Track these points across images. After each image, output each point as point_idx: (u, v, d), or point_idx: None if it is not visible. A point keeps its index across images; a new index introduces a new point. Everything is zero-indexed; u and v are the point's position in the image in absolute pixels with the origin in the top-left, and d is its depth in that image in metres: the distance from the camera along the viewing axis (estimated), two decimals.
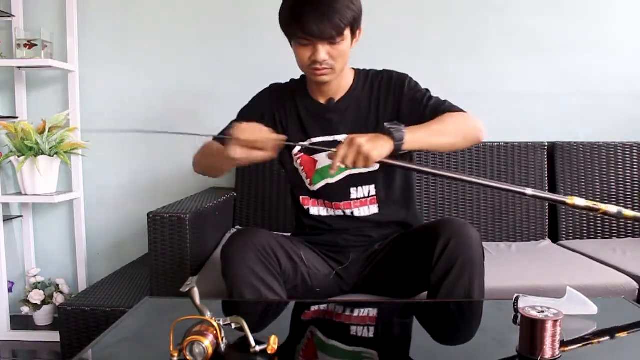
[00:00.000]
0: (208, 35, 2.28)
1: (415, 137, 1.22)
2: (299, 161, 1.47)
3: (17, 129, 2.00)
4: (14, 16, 2.20)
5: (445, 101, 1.40)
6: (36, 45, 2.07)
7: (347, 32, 1.30)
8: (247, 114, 1.49)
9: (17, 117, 2.21)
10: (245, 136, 1.20)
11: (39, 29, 2.08)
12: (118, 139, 2.32)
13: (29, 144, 1.99)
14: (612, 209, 1.31)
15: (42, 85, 2.30)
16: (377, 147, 1.16)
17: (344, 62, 1.37)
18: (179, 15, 2.28)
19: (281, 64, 2.17)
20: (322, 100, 1.46)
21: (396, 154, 1.19)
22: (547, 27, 2.25)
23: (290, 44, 1.37)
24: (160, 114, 2.31)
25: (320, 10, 1.26)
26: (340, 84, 1.43)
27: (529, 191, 1.25)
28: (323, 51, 1.30)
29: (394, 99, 1.42)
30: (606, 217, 1.35)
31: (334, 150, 1.19)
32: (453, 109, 1.36)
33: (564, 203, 1.27)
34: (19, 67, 2.20)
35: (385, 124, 1.23)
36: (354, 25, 1.31)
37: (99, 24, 2.27)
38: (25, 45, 2.07)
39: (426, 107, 1.38)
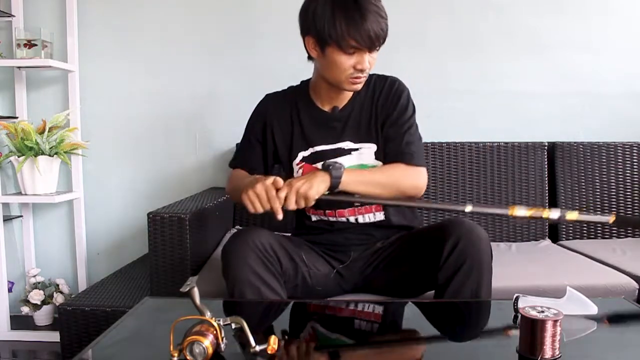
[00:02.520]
0: (208, 36, 2.28)
1: (353, 179, 1.29)
2: (300, 171, 1.46)
3: (17, 129, 2.00)
4: (14, 16, 2.20)
5: (413, 145, 1.40)
6: (36, 45, 2.07)
7: None
8: (252, 130, 1.50)
9: (17, 117, 2.21)
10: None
11: (39, 29, 2.08)
12: (118, 139, 2.32)
13: (29, 144, 1.99)
14: (554, 214, 1.29)
15: (42, 85, 2.30)
16: (314, 186, 1.23)
17: None
18: (179, 15, 2.28)
19: (281, 65, 2.20)
20: (326, 108, 1.45)
21: (332, 190, 1.27)
22: (547, 27, 2.26)
23: (322, 51, 1.32)
24: (160, 114, 2.31)
25: (375, 17, 1.26)
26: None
27: (469, 208, 1.29)
28: (367, 59, 1.31)
29: (387, 108, 1.44)
30: (549, 221, 1.40)
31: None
32: (412, 160, 1.38)
33: (504, 215, 1.30)
34: (19, 67, 2.20)
35: (326, 161, 1.33)
36: None
37: (99, 24, 2.27)
38: (25, 45, 2.07)
39: (395, 140, 1.40)
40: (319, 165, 1.43)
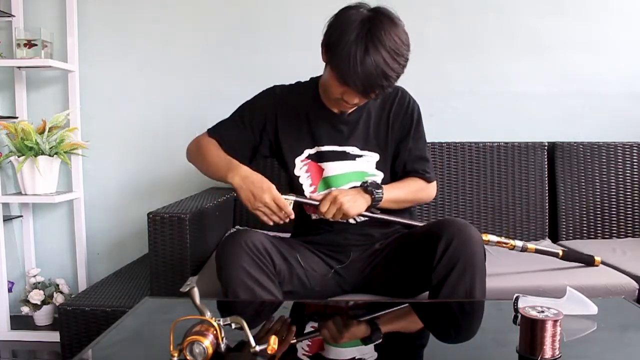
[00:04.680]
0: (208, 36, 2.28)
1: (389, 198, 1.40)
2: (305, 167, 1.46)
3: (17, 129, 2.00)
4: (14, 16, 2.20)
5: (428, 162, 1.51)
6: (36, 45, 2.07)
7: None
8: (252, 118, 1.48)
9: (17, 117, 2.21)
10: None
11: (39, 29, 2.08)
12: (118, 139, 2.32)
13: (29, 144, 1.99)
14: (518, 243, 1.55)
15: (42, 85, 2.30)
16: (356, 206, 1.33)
17: None
18: (179, 15, 2.28)
19: (281, 65, 2.20)
20: (334, 109, 1.44)
21: (369, 209, 1.38)
22: (547, 28, 2.25)
23: (325, 60, 1.32)
24: (160, 114, 2.31)
25: (376, 76, 1.22)
26: None
27: None
28: (357, 98, 1.31)
29: (402, 126, 1.47)
30: (515, 250, 1.58)
31: (316, 202, 1.35)
32: (430, 179, 1.51)
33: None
34: (19, 67, 2.20)
35: (368, 181, 1.40)
36: None
37: (99, 24, 2.27)
38: (25, 45, 2.07)
39: (412, 156, 1.48)
40: (325, 164, 1.44)
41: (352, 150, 1.44)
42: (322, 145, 1.44)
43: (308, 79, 1.52)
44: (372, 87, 1.25)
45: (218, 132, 1.48)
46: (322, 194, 1.40)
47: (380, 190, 1.37)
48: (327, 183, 1.45)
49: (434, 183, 1.54)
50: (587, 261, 1.65)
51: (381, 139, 1.46)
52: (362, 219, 1.44)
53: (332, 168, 1.44)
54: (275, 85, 1.52)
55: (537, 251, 1.60)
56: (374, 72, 1.22)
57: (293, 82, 1.53)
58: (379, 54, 1.21)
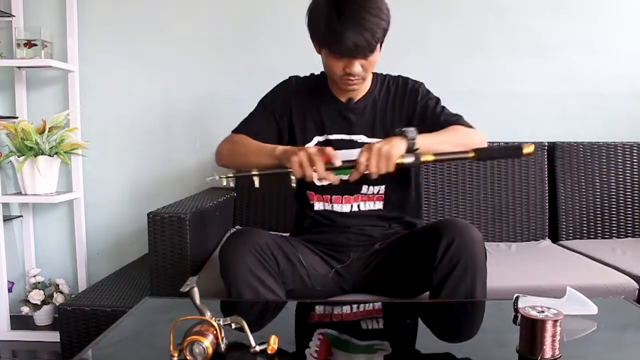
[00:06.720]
0: (208, 35, 2.28)
1: (426, 140, 1.30)
2: None
3: (17, 129, 2.00)
4: (14, 16, 2.20)
5: (456, 114, 1.48)
6: (36, 45, 2.07)
7: (378, 45, 1.33)
8: (272, 104, 1.51)
9: (17, 117, 2.21)
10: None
11: (39, 29, 2.08)
12: (118, 139, 2.32)
13: (29, 144, 1.99)
14: (408, 159, 1.26)
15: (42, 85, 2.30)
16: (394, 146, 1.23)
17: (372, 69, 1.41)
18: (179, 15, 2.28)
19: (281, 65, 2.20)
20: (342, 99, 1.48)
21: (409, 151, 1.26)
22: (547, 28, 2.26)
23: (318, 51, 1.38)
24: (160, 114, 2.31)
25: (357, 29, 1.26)
26: (362, 85, 1.45)
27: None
28: (358, 65, 1.33)
29: (408, 105, 1.48)
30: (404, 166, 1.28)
31: (353, 159, 1.24)
32: (464, 122, 1.46)
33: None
34: (19, 67, 2.20)
35: (400, 128, 1.30)
36: (384, 36, 1.34)
37: (99, 24, 2.28)
38: (25, 45, 2.07)
39: (439, 116, 1.45)
40: (337, 152, 1.42)
41: (361, 138, 1.46)
42: (330, 134, 1.48)
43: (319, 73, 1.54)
44: (364, 43, 1.27)
45: (244, 127, 1.50)
46: (354, 153, 1.28)
47: (412, 128, 1.28)
48: (337, 170, 1.44)
49: (478, 129, 1.44)
50: (513, 152, 1.34)
51: (387, 125, 1.47)
52: (366, 206, 1.44)
53: (344, 154, 1.44)
54: (291, 76, 1.56)
55: (438, 160, 1.29)
56: (358, 29, 1.25)
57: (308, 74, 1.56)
58: (353, 12, 1.26)
